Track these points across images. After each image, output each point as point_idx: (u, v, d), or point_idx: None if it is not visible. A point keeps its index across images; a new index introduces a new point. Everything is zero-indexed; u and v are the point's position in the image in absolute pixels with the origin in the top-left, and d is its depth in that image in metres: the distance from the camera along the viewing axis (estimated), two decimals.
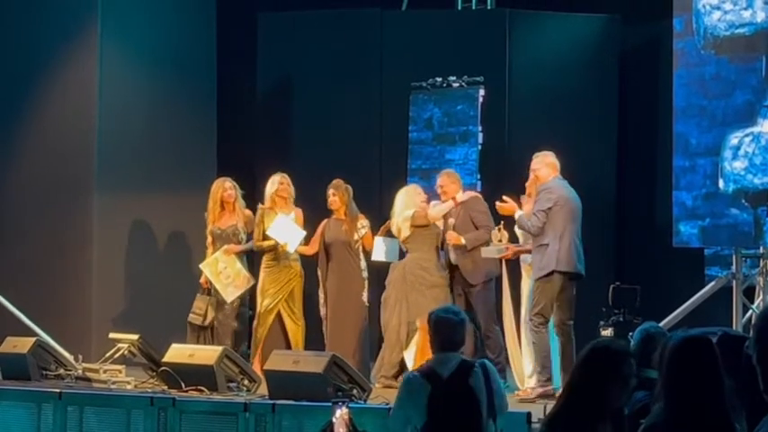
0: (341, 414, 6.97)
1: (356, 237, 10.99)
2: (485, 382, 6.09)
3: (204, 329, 11.11)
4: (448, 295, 10.40)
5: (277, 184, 11.14)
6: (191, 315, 11.19)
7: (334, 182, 11.11)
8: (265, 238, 11.09)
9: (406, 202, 10.66)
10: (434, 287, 10.43)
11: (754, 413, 4.89)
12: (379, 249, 10.79)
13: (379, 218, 10.90)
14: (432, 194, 10.82)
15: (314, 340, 11.19)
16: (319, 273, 11.09)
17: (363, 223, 11.04)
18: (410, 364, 10.15)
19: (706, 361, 4.57)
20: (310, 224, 11.24)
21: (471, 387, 6.03)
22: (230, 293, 11.09)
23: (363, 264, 10.99)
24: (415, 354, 10.19)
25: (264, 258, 11.18)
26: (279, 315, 11.11)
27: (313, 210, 11.33)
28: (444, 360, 6.16)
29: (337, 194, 11.03)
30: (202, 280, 11.25)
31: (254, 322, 11.14)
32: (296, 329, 11.08)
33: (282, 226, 10.98)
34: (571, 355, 9.28)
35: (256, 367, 10.44)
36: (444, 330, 6.21)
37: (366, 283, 10.89)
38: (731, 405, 4.64)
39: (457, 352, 6.19)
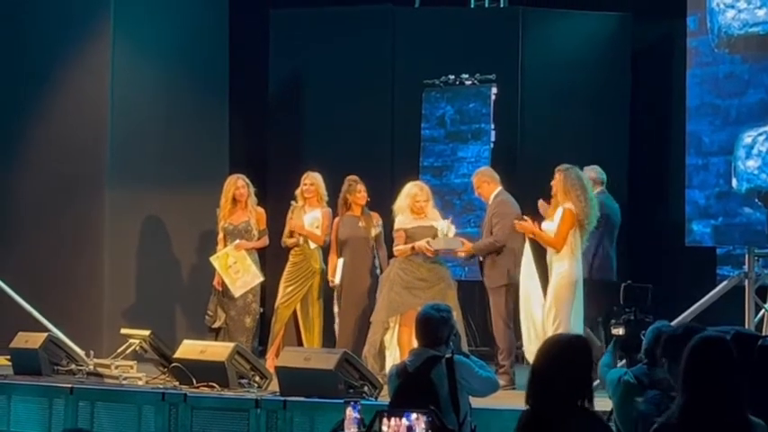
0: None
1: (373, 233, 10.99)
2: (447, 375, 6.20)
3: (219, 330, 11.12)
4: (422, 296, 10.24)
5: (301, 185, 11.17)
6: (205, 317, 11.21)
7: (356, 177, 11.09)
8: (291, 234, 11.12)
9: (398, 202, 10.60)
10: (409, 287, 10.38)
11: (764, 411, 4.88)
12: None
13: (391, 215, 10.88)
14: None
15: (325, 337, 11.19)
16: (329, 269, 11.08)
17: (380, 221, 11.04)
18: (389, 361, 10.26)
19: (722, 360, 4.55)
20: None
21: (431, 380, 6.12)
22: (239, 288, 11.09)
23: (377, 261, 10.98)
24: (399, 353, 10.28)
25: (291, 254, 11.18)
26: (296, 315, 11.11)
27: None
28: (418, 355, 6.37)
29: (365, 191, 11.08)
30: (216, 281, 11.23)
31: (273, 318, 11.15)
32: (309, 336, 11.05)
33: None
34: None
35: (271, 362, 10.45)
36: (422, 326, 6.43)
37: (380, 280, 10.84)
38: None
39: (435, 348, 6.27)
